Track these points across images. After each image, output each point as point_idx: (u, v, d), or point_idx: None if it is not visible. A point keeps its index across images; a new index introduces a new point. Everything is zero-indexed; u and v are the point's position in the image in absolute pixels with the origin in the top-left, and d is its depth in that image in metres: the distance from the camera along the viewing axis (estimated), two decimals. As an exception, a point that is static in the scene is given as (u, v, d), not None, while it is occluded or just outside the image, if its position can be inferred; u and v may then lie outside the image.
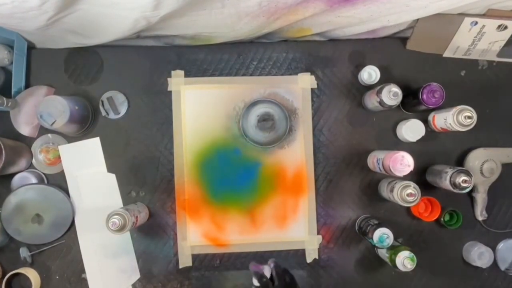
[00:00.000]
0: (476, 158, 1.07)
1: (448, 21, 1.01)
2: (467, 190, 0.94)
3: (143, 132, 1.09)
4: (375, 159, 1.04)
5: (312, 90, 1.11)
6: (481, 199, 1.08)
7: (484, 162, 1.06)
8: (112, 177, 1.08)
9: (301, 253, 1.10)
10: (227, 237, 1.10)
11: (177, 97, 1.09)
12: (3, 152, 0.95)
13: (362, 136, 1.11)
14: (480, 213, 1.09)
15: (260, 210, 1.10)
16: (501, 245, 1.10)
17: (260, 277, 0.81)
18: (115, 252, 1.08)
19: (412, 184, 0.95)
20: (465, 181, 0.92)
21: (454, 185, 0.94)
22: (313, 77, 1.10)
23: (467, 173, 0.94)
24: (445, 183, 0.96)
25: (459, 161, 1.09)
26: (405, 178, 0.99)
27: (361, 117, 1.11)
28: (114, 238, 0.98)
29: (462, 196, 1.08)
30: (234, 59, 1.11)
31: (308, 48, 1.11)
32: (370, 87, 1.08)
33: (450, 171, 0.96)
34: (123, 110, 1.09)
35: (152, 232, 1.09)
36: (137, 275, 1.08)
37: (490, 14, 0.99)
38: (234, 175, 1.10)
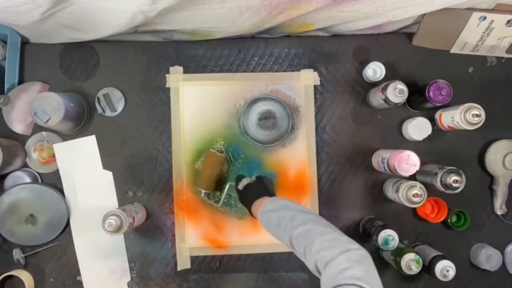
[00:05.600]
0: (499, 150, 1.05)
1: (456, 16, 0.99)
2: (459, 190, 0.92)
3: (140, 130, 1.08)
4: (380, 159, 1.02)
5: (315, 87, 1.09)
6: (501, 192, 1.06)
7: (507, 154, 1.04)
8: (109, 175, 1.06)
9: (303, 255, 1.07)
10: (226, 238, 1.08)
11: (175, 94, 1.08)
12: (1, 154, 0.94)
13: (366, 135, 1.09)
14: (500, 207, 1.07)
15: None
16: (510, 248, 1.08)
17: None
18: (111, 254, 1.06)
19: (418, 184, 0.94)
20: (456, 181, 0.91)
21: (445, 186, 0.93)
22: (316, 73, 1.09)
23: (458, 173, 0.92)
24: (436, 185, 0.94)
25: (462, 161, 1.07)
26: (411, 178, 0.97)
27: (366, 115, 1.09)
28: (110, 239, 0.97)
29: (469, 197, 1.06)
30: (235, 55, 1.09)
31: (311, 44, 1.10)
32: (375, 84, 1.06)
33: (440, 172, 0.94)
34: (120, 107, 1.07)
35: (149, 233, 1.07)
36: (127, 277, 1.06)
37: (499, 9, 0.98)
38: (234, 174, 1.07)
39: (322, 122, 1.09)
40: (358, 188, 1.09)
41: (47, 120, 0.94)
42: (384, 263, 1.05)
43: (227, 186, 1.04)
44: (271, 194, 0.90)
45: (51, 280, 1.05)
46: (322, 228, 0.70)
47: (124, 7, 0.87)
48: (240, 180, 0.97)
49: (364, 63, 1.07)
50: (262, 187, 0.93)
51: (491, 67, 1.10)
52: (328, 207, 1.08)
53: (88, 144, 1.06)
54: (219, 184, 1.06)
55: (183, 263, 1.07)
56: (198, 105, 1.08)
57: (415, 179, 1.01)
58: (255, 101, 1.06)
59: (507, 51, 1.08)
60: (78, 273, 1.05)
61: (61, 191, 1.05)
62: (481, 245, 1.08)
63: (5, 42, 1.01)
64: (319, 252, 0.64)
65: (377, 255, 1.07)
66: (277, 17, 0.97)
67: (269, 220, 0.80)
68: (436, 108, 1.03)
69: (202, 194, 1.04)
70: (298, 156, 1.08)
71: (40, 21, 0.91)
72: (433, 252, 0.99)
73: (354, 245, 0.64)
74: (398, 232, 0.97)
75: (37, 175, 1.06)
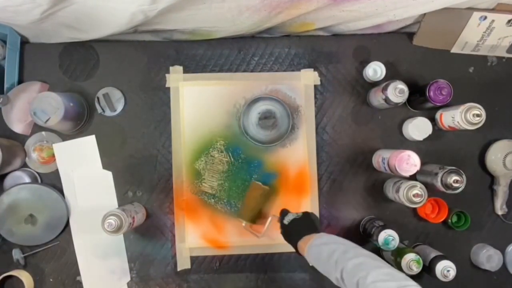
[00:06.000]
0: (499, 149, 1.05)
1: (456, 16, 0.99)
2: (460, 190, 0.92)
3: (140, 130, 1.07)
4: (380, 159, 1.02)
5: (315, 86, 1.09)
6: (502, 192, 1.06)
7: (507, 154, 1.03)
8: (109, 175, 1.06)
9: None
10: (226, 238, 1.07)
11: (175, 94, 1.07)
12: (0, 154, 0.94)
13: (367, 135, 1.09)
14: (500, 207, 1.07)
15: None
16: (510, 248, 1.08)
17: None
18: (111, 254, 1.06)
19: (419, 184, 0.93)
20: (457, 181, 0.91)
21: (446, 186, 0.93)
22: (316, 73, 1.08)
23: (458, 173, 0.92)
24: (437, 185, 0.94)
25: (463, 161, 1.07)
26: (411, 178, 0.97)
27: (366, 114, 1.09)
28: (110, 239, 0.97)
29: (469, 197, 1.05)
30: (235, 54, 1.09)
31: (311, 44, 1.09)
32: (375, 84, 1.06)
33: (440, 171, 0.94)
34: (119, 107, 1.07)
35: (149, 233, 1.07)
36: (127, 278, 1.06)
37: (499, 8, 0.98)
38: (234, 174, 1.07)
39: (323, 122, 1.09)
40: (358, 188, 1.08)
41: (47, 120, 0.94)
42: (385, 263, 1.05)
43: (270, 219, 1.01)
44: (318, 231, 0.88)
45: (51, 280, 1.05)
46: (377, 262, 0.69)
47: (124, 7, 0.86)
48: (285, 214, 0.94)
49: (364, 63, 1.07)
50: (310, 223, 0.90)
51: (492, 67, 1.09)
52: (328, 207, 1.08)
53: (88, 144, 1.06)
54: (260, 213, 1.05)
55: (183, 263, 1.06)
56: (198, 104, 1.07)
57: (416, 179, 1.01)
58: (255, 100, 1.06)
59: (508, 51, 1.07)
60: (77, 273, 1.05)
61: (60, 191, 1.05)
62: (481, 245, 1.07)
63: (4, 41, 1.01)
64: (375, 283, 0.63)
65: (377, 255, 1.06)
66: (277, 17, 0.97)
67: (319, 253, 0.78)
68: (437, 108, 1.02)
69: (244, 224, 1.03)
70: (298, 156, 1.08)
71: (39, 20, 0.90)
72: (434, 252, 0.99)
73: (411, 281, 0.63)
74: (399, 232, 0.97)
75: (37, 175, 1.06)
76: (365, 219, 1.07)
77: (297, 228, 0.89)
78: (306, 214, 0.93)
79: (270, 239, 1.06)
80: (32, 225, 1.03)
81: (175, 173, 1.06)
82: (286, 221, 0.92)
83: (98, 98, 1.06)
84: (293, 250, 1.06)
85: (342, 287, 0.72)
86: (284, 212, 0.95)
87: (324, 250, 0.77)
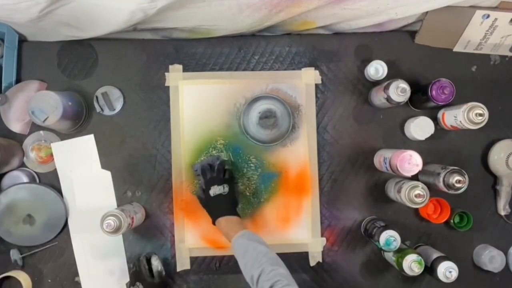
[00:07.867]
0: (502, 149, 1.04)
1: (459, 14, 0.98)
2: (462, 190, 0.91)
3: (139, 129, 1.07)
4: (382, 158, 1.01)
5: (316, 85, 1.08)
6: (505, 192, 1.05)
7: (510, 154, 1.03)
8: (107, 175, 1.05)
9: (304, 256, 1.07)
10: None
11: (175, 93, 1.06)
12: None
13: (368, 134, 1.08)
14: (503, 208, 1.06)
15: (261, 211, 1.07)
16: (513, 249, 1.07)
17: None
18: (110, 254, 1.05)
19: (421, 184, 0.93)
20: (459, 181, 0.90)
21: (448, 186, 0.92)
22: (317, 72, 1.08)
23: (461, 173, 0.92)
24: (439, 185, 0.94)
25: (465, 161, 1.06)
26: (413, 178, 0.96)
27: (368, 114, 1.08)
28: (109, 240, 0.95)
29: (472, 198, 1.05)
30: (235, 53, 1.08)
31: (312, 42, 1.08)
32: (377, 83, 1.05)
33: (442, 172, 0.93)
34: (118, 106, 1.06)
35: (148, 233, 1.06)
36: (126, 278, 1.05)
37: (502, 7, 0.97)
38: (234, 174, 1.06)
39: (324, 121, 1.08)
40: (359, 188, 1.08)
41: (45, 119, 0.93)
42: (386, 264, 1.04)
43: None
44: (237, 212, 0.97)
45: (49, 281, 1.04)
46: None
47: (123, 5, 0.86)
48: (211, 185, 0.97)
49: (366, 62, 1.06)
50: (233, 203, 0.99)
51: (495, 66, 1.09)
52: (330, 207, 1.07)
53: (87, 144, 1.05)
54: None
55: (183, 264, 1.05)
56: (198, 104, 1.06)
57: (418, 179, 1.00)
58: (255, 100, 1.05)
59: (511, 50, 1.07)
60: (76, 274, 1.04)
61: (59, 191, 1.04)
62: (484, 246, 1.07)
63: (2, 40, 1.01)
64: None
65: (379, 256, 1.06)
66: (278, 15, 0.96)
67: (246, 247, 0.86)
68: (439, 107, 1.02)
69: None
70: (299, 156, 1.07)
71: (38, 18, 0.90)
72: (436, 253, 0.98)
73: None
74: (400, 232, 0.96)
75: (35, 174, 1.05)
76: (367, 219, 1.07)
77: (221, 204, 0.96)
78: (232, 192, 0.98)
79: (270, 239, 1.06)
80: (30, 226, 1.02)
81: (175, 173, 1.06)
82: (212, 193, 0.96)
83: (96, 97, 1.05)
84: (294, 250, 1.06)
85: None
86: (210, 181, 0.97)
87: (251, 246, 0.84)
